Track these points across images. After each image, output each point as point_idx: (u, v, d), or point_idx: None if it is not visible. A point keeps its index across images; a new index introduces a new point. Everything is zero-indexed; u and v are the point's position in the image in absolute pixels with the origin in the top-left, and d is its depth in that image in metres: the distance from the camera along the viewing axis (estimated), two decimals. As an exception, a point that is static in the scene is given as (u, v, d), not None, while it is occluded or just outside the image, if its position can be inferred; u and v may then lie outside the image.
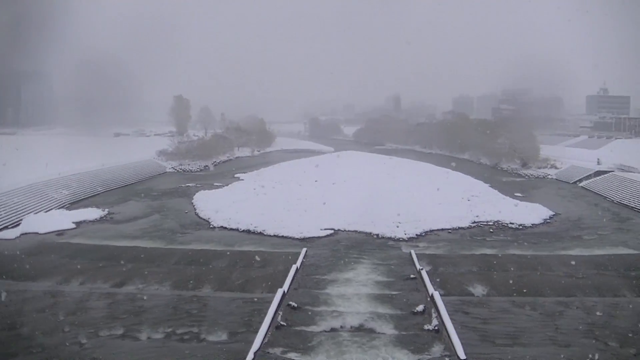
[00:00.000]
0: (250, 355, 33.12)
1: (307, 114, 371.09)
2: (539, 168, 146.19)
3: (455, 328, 36.69)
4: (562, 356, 34.95)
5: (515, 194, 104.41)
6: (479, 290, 49.20)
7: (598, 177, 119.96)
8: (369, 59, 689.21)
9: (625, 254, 62.35)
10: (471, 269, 55.56)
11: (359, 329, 39.85)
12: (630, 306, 45.40)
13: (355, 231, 72.47)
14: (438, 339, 37.96)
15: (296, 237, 69.37)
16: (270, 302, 40.83)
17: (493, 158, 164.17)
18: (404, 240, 68.67)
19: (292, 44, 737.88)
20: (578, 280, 51.81)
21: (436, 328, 39.32)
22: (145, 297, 45.80)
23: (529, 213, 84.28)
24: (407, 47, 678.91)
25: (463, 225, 76.45)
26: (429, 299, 44.04)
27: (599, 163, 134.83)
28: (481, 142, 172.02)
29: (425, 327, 40.20)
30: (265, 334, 36.23)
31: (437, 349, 36.55)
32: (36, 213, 79.43)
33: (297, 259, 55.25)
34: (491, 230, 75.07)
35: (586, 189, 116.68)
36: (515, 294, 47.91)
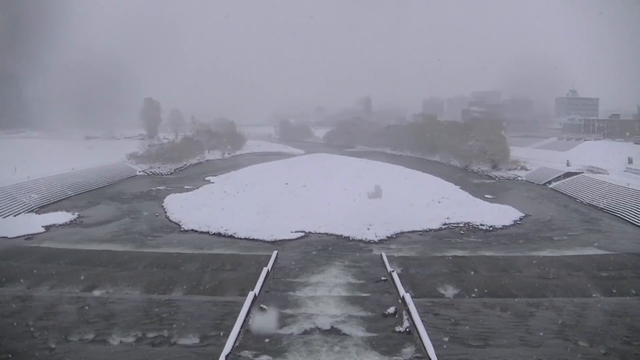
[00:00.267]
0: (222, 358, 33.04)
1: (278, 116, 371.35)
2: (509, 170, 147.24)
3: (426, 329, 36.84)
4: (533, 356, 35.20)
5: (486, 196, 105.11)
6: (450, 291, 49.35)
7: (568, 179, 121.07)
8: (339, 60, 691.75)
9: (595, 255, 63.03)
10: (442, 271, 55.72)
11: (330, 332, 39.84)
12: (599, 306, 45.83)
13: (326, 233, 72.45)
14: (409, 340, 38.03)
15: (267, 239, 69.14)
16: (241, 305, 40.76)
17: (463, 160, 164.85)
18: (374, 242, 68.79)
19: (261, 46, 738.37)
20: (548, 281, 52.20)
21: (407, 330, 39.45)
22: (115, 301, 45.52)
23: (500, 215, 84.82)
24: (377, 49, 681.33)
25: (434, 227, 76.75)
26: (400, 300, 44.21)
27: (568, 165, 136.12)
28: (451, 144, 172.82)
29: (397, 329, 40.30)
30: (237, 337, 36.16)
31: (408, 351, 36.60)
32: (4, 217, 78.79)
33: (268, 261, 55.23)
34: (462, 232, 75.41)
35: (556, 190, 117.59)
36: (486, 295, 48.20)
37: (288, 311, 43.75)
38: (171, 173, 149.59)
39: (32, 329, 39.51)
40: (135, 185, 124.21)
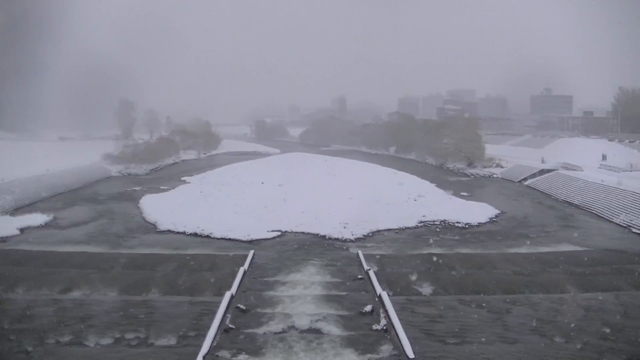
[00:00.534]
0: (199, 358, 33.02)
1: (253, 116, 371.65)
2: (485, 167, 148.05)
3: (403, 327, 37.00)
4: (509, 353, 35.43)
5: (462, 193, 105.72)
6: (426, 289, 49.47)
7: (543, 176, 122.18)
8: (314, 60, 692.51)
9: (570, 251, 63.61)
10: (418, 269, 55.73)
11: (308, 330, 39.85)
12: (575, 302, 46.24)
13: (303, 232, 72.46)
14: (387, 338, 38.16)
15: (243, 239, 68.92)
16: (218, 305, 40.73)
17: (439, 158, 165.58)
18: (351, 240, 68.90)
19: (236, 47, 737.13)
20: (524, 278, 52.58)
21: (384, 328, 39.57)
22: (92, 303, 45.29)
23: (475, 212, 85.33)
24: (352, 48, 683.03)
25: (410, 225, 77.03)
26: (377, 299, 44.37)
27: (543, 162, 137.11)
28: (427, 142, 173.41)
29: (374, 327, 40.43)
30: (214, 337, 36.13)
31: (385, 349, 36.72)
32: (-22, 220, 77.92)
33: (244, 261, 55.17)
34: (438, 229, 75.74)
35: (531, 187, 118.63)
36: (462, 292, 48.47)
37: (265, 310, 43.73)
38: (147, 173, 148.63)
39: (7, 332, 39.16)
40: (111, 186, 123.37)
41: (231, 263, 56.13)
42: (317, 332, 39.71)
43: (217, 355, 35.28)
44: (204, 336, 35.95)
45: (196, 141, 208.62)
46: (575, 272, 54.02)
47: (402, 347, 34.74)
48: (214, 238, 70.38)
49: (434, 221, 79.67)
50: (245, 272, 51.15)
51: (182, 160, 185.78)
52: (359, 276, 52.89)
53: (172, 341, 37.74)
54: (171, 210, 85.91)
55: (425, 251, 63.42)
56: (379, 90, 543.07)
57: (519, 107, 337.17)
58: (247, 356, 35.57)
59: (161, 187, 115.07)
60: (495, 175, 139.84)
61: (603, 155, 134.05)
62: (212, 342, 35.71)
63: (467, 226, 77.56)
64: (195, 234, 72.10)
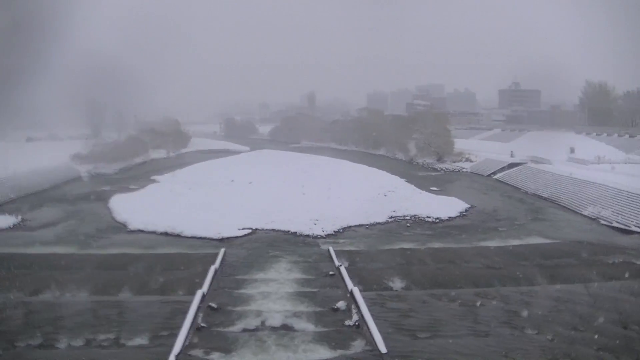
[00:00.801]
0: (172, 358, 32.93)
1: (222, 114, 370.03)
2: (454, 162, 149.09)
3: (375, 322, 37.15)
4: (481, 345, 35.71)
5: (432, 188, 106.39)
6: (397, 284, 49.65)
7: (511, 169, 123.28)
8: (282, 56, 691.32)
9: (540, 243, 64.42)
10: (389, 264, 56.02)
11: (281, 327, 39.83)
12: (545, 294, 46.73)
13: (273, 230, 72.51)
14: (359, 334, 38.29)
15: (214, 237, 68.84)
16: (190, 304, 40.66)
17: (408, 153, 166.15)
18: (322, 237, 69.11)
19: (204, 45, 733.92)
20: (495, 271, 53.06)
21: (357, 323, 39.71)
22: (62, 305, 44.97)
23: (445, 206, 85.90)
24: (322, 44, 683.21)
25: (380, 221, 77.38)
26: (348, 294, 44.50)
27: (512, 155, 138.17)
28: (396, 137, 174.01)
29: (346, 322, 40.51)
30: (186, 337, 36.06)
31: (358, 344, 36.81)
32: (-59, 223, 77.00)
33: (215, 259, 55.06)
34: (408, 224, 76.21)
35: (500, 181, 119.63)
36: (433, 287, 48.78)
37: (237, 308, 43.65)
38: (116, 173, 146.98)
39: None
40: (80, 186, 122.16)
41: (202, 261, 55.74)
42: (290, 328, 39.67)
43: (190, 355, 35.15)
44: (176, 335, 35.80)
45: (165, 140, 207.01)
46: (545, 265, 54.59)
47: (375, 343, 34.88)
48: (184, 237, 70.07)
49: (404, 216, 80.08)
50: (216, 270, 51.00)
51: (152, 159, 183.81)
52: (331, 272, 52.95)
53: (145, 341, 37.48)
54: (141, 209, 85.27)
55: (396, 246, 63.75)
56: (349, 86, 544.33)
57: (487, 102, 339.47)
58: (220, 354, 35.49)
59: (131, 187, 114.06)
60: (464, 170, 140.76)
61: (571, 148, 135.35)
62: (185, 341, 35.60)
63: (437, 221, 78.07)
64: (166, 233, 71.67)
